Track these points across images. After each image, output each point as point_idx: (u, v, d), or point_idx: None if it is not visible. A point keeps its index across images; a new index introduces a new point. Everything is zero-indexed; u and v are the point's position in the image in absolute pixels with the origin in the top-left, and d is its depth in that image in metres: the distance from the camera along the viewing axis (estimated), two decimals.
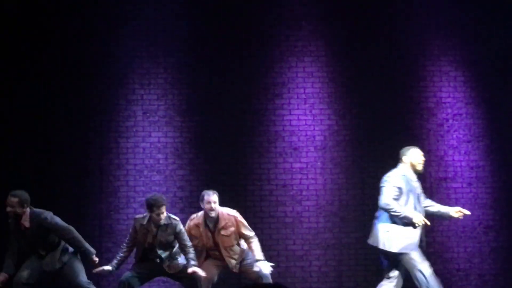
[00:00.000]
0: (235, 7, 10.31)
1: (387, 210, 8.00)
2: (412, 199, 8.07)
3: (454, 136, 10.51)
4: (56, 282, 8.23)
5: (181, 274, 8.00)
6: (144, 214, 8.03)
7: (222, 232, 8.12)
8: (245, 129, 10.22)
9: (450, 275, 10.18)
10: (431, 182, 10.33)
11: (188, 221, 8.31)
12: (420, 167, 8.27)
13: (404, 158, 8.30)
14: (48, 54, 10.05)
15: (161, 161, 9.99)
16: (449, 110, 10.51)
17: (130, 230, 8.13)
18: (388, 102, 10.39)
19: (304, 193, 10.19)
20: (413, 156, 8.29)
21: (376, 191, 9.86)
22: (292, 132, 10.32)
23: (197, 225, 8.19)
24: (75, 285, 7.88)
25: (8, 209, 7.66)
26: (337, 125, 10.39)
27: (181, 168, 9.86)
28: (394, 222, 8.00)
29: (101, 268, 7.95)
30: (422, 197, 8.34)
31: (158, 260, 8.02)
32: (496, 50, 10.62)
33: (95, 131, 10.04)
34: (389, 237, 7.98)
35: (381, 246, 8.04)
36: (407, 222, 7.87)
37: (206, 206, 8.09)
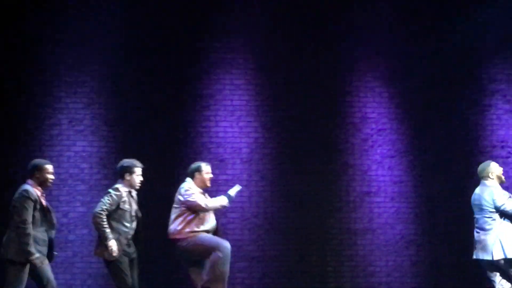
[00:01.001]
0: (163, 18, 10.33)
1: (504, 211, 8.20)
2: None
3: (378, 151, 10.65)
4: None
5: None
6: None
7: None
8: (172, 140, 10.20)
9: None
10: (355, 196, 10.51)
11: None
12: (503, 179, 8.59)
13: (490, 174, 8.50)
14: None
15: (85, 171, 9.89)
16: (374, 126, 10.65)
17: None
18: (314, 116, 10.50)
19: (229, 205, 9.94)
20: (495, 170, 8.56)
21: (301, 204, 10.26)
22: (219, 144, 10.35)
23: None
24: None
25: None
26: (264, 138, 10.45)
27: (106, 178, 9.68)
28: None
29: None
30: None
31: None
32: (421, 68, 10.86)
33: (20, 139, 9.90)
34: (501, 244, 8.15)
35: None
36: None
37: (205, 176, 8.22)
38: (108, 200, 7.63)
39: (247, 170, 10.35)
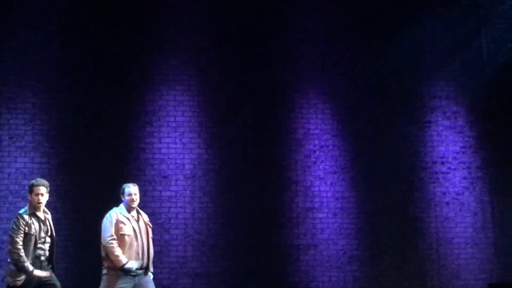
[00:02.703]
0: (106, 34, 10.30)
1: None
2: None
3: (321, 167, 10.70)
4: None
5: None
6: None
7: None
8: (115, 156, 10.15)
9: None
10: (298, 212, 10.54)
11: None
12: None
13: None
14: None
15: (27, 187, 9.41)
16: (317, 142, 10.73)
17: None
18: (257, 132, 10.55)
19: (172, 221, 10.20)
20: None
21: (244, 220, 10.27)
22: (162, 160, 10.33)
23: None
24: None
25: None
26: (207, 154, 10.46)
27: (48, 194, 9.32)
28: None
29: None
30: None
31: None
32: (363, 85, 10.96)
33: None
34: None
35: None
36: None
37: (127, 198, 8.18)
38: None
39: (190, 187, 10.32)
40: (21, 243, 7.58)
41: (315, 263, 10.46)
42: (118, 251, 7.91)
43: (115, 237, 7.98)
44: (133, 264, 7.93)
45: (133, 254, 7.96)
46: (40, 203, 7.79)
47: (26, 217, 7.67)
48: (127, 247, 7.97)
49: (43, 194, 7.83)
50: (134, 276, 7.98)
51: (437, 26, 11.36)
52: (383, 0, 11.12)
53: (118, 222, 8.06)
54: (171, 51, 10.58)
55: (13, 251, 7.57)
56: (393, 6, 11.17)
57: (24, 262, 7.53)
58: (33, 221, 7.71)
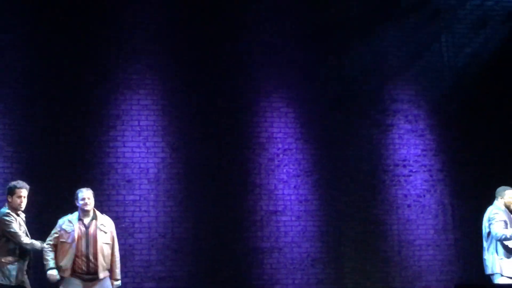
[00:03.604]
0: (70, 38, 10.33)
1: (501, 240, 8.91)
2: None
3: (284, 170, 10.80)
4: None
5: None
6: None
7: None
8: (78, 161, 10.19)
9: None
10: (262, 215, 10.65)
11: None
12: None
13: (499, 198, 9.15)
14: None
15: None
16: (280, 145, 10.81)
17: None
18: (221, 136, 10.64)
19: (136, 225, 10.26)
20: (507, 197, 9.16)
21: (208, 223, 10.37)
22: (126, 164, 10.39)
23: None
24: None
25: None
26: (171, 157, 10.52)
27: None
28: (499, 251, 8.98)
29: None
30: None
31: None
32: (326, 88, 11.07)
33: None
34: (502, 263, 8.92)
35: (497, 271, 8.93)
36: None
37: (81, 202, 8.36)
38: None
39: (155, 190, 10.40)
40: (21, 233, 7.88)
41: (279, 266, 10.56)
42: (48, 256, 8.17)
43: (52, 243, 8.20)
44: (55, 273, 8.12)
45: (74, 260, 8.14)
46: (22, 205, 8.04)
47: (13, 213, 7.94)
48: (67, 254, 8.15)
49: (25, 197, 8.07)
50: (84, 281, 8.12)
51: (398, 31, 11.49)
52: (345, 8, 11.28)
53: (61, 229, 8.23)
54: (134, 56, 10.61)
55: (23, 245, 7.92)
56: (355, 13, 11.32)
57: (30, 243, 7.93)
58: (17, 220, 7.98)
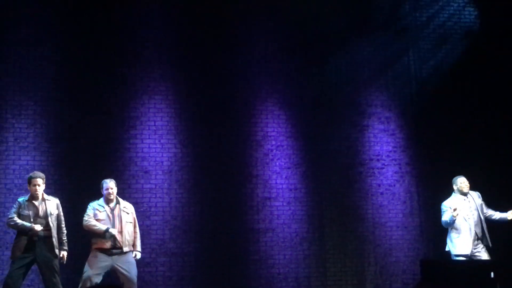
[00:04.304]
0: (96, 52, 10.68)
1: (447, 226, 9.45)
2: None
3: (277, 163, 11.16)
4: None
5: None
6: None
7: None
8: (103, 155, 10.54)
9: (272, 278, 10.85)
10: (258, 201, 10.99)
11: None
12: (466, 189, 9.60)
13: (454, 186, 9.66)
14: None
15: None
16: (274, 142, 11.19)
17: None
18: (224, 134, 10.98)
19: (152, 209, 10.60)
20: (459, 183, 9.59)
21: (212, 208, 10.61)
22: (143, 158, 10.68)
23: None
24: None
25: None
26: (182, 152, 10.83)
27: (48, 187, 9.28)
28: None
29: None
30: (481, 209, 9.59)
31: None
32: (311, 94, 11.46)
33: None
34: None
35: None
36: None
37: (105, 191, 8.89)
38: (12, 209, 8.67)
39: (168, 180, 10.64)
40: (15, 216, 8.32)
41: (272, 244, 10.85)
42: (95, 223, 8.78)
43: (92, 217, 8.83)
44: (114, 231, 8.71)
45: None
46: (37, 192, 8.43)
47: (21, 201, 8.45)
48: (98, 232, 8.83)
49: (40, 185, 8.48)
50: (110, 255, 8.69)
51: (372, 46, 11.72)
52: (325, 25, 11.44)
53: (94, 210, 8.88)
54: (150, 67, 10.85)
55: (8, 221, 8.43)
56: (335, 29, 11.52)
57: (18, 222, 8.27)
58: (27, 206, 8.39)
